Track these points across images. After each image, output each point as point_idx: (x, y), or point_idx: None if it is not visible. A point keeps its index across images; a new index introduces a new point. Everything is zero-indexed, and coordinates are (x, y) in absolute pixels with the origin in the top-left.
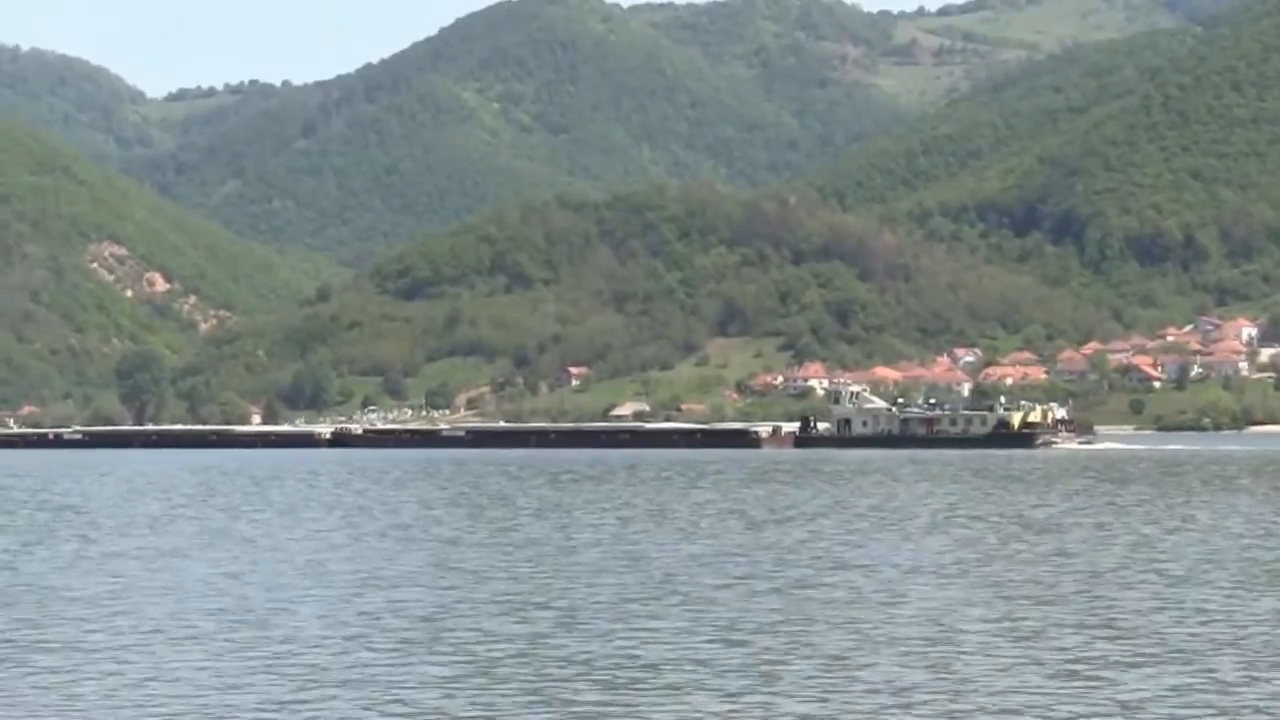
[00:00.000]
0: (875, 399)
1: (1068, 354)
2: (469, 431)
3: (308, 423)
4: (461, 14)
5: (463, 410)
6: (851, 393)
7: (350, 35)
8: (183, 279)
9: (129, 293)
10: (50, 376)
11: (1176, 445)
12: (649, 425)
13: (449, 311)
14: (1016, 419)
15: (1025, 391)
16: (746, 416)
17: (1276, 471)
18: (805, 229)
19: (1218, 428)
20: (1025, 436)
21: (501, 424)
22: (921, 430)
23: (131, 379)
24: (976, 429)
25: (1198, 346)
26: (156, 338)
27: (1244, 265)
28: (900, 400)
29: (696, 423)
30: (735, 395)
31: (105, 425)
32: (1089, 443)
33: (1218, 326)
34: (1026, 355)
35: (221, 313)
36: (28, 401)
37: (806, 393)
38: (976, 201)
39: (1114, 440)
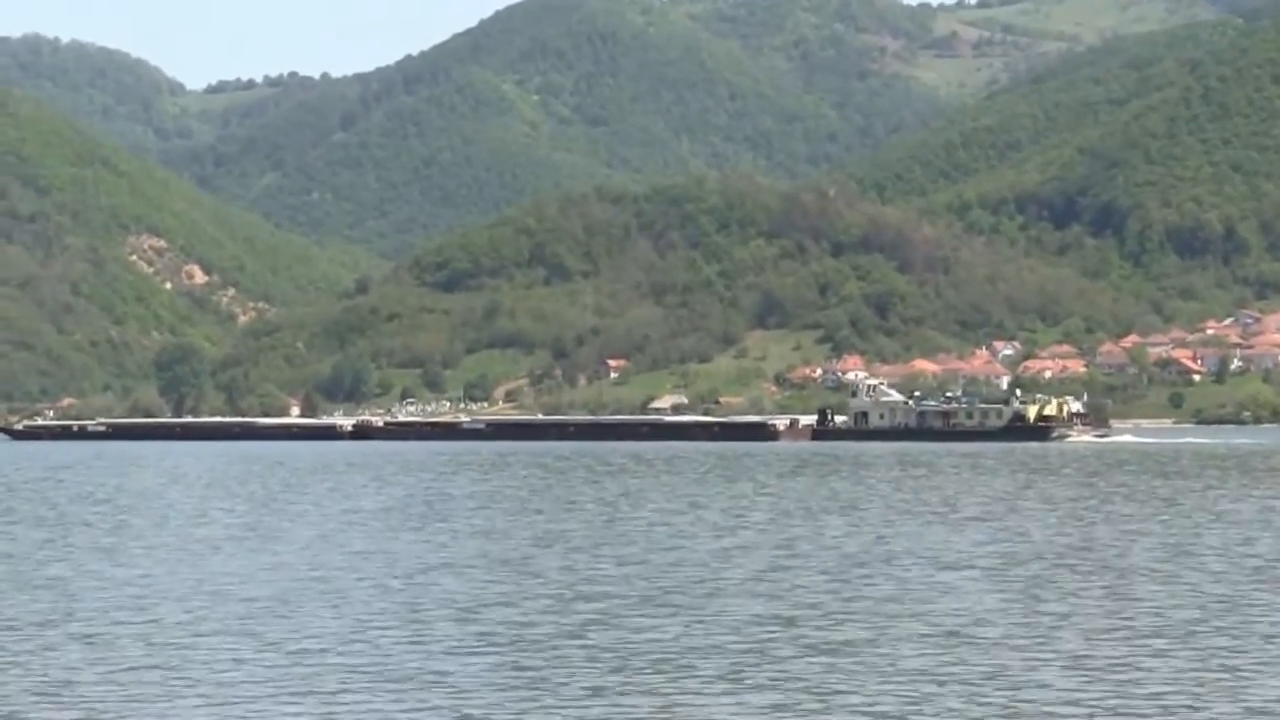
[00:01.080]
0: (892, 392)
1: (1107, 347)
2: (488, 424)
3: (346, 414)
4: (501, 6)
5: (501, 402)
6: (869, 386)
7: (389, 27)
8: (222, 271)
9: (168, 285)
10: (90, 368)
11: (1195, 439)
12: (667, 418)
13: (488, 304)
14: (1032, 412)
15: (1064, 384)
16: (784, 409)
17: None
18: (844, 221)
19: (1258, 421)
20: (1041, 430)
21: (520, 417)
22: (938, 423)
23: (171, 371)
24: (992, 422)
25: (1238, 340)
26: (195, 330)
27: None
28: (916, 393)
29: (736, 415)
30: (774, 388)
31: (144, 417)
32: (1104, 436)
33: (1258, 320)
34: (1066, 348)
35: (260, 305)
36: (67, 393)
37: (845, 385)
38: (1016, 194)
39: (1131, 433)
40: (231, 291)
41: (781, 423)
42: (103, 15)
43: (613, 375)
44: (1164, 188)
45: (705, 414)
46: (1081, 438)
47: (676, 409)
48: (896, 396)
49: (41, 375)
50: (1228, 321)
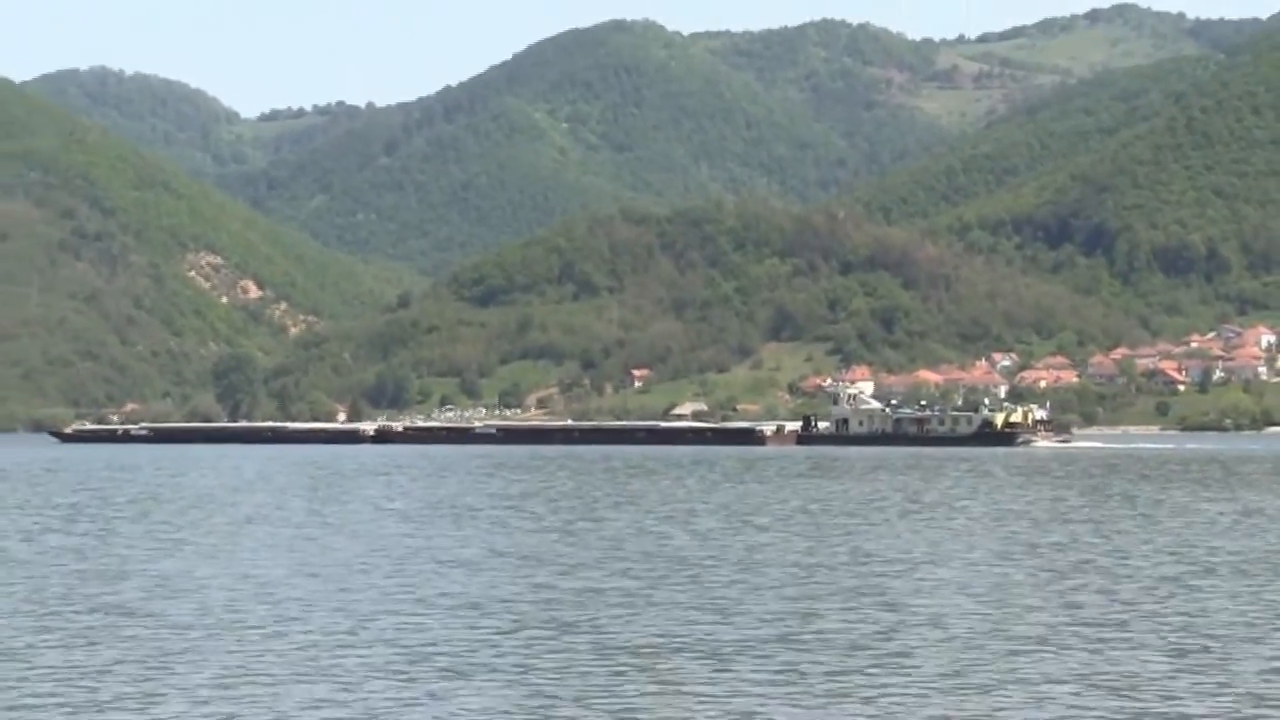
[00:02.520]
0: (871, 400)
1: (1098, 359)
2: (499, 429)
3: (389, 419)
4: (534, 40)
5: (533, 409)
6: (849, 394)
7: (430, 60)
8: (274, 286)
9: (224, 299)
10: (151, 377)
11: (1149, 444)
12: (663, 424)
13: (521, 317)
14: (999, 419)
15: (1058, 393)
16: (797, 415)
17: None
18: (853, 241)
19: (1238, 428)
20: (1007, 435)
21: (528, 423)
22: (913, 429)
23: (226, 379)
24: (963, 428)
25: (1220, 352)
26: (250, 341)
27: (1263, 277)
28: (894, 401)
29: (752, 421)
30: (787, 396)
31: (202, 422)
32: (1066, 442)
33: (1239, 334)
34: (1060, 359)
35: (310, 318)
36: (130, 399)
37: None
38: (1013, 216)
39: (1090, 440)
40: (283, 305)
41: (769, 428)
42: (165, 49)
43: (637, 384)
44: (1151, 210)
45: (723, 420)
46: (1045, 443)
47: (697, 415)
48: (875, 404)
49: (106, 383)
50: (1210, 335)
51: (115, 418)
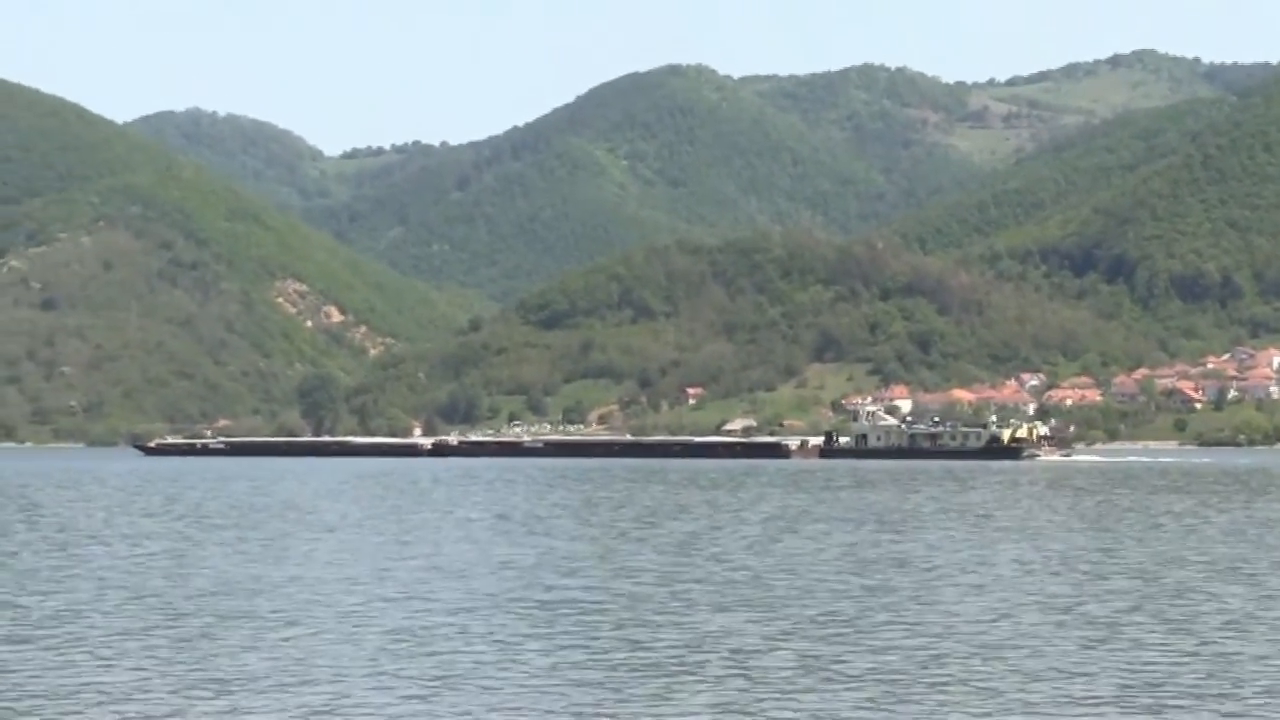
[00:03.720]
0: (888, 417)
1: (1120, 379)
2: (545, 443)
3: (461, 434)
4: (595, 84)
5: (595, 425)
6: (868, 412)
7: (499, 102)
8: (355, 311)
9: (309, 323)
10: (242, 395)
11: (1135, 458)
12: (696, 438)
13: (583, 339)
14: (1006, 435)
15: (1082, 411)
16: (839, 431)
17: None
18: (891, 269)
19: (1251, 443)
20: (1013, 450)
21: (572, 437)
22: (926, 444)
23: (311, 397)
24: (972, 443)
25: (1234, 373)
26: (332, 361)
27: (1275, 302)
28: (909, 418)
29: (799, 436)
30: (830, 413)
31: (288, 437)
32: (1068, 455)
33: (1251, 356)
34: (1084, 380)
35: (388, 340)
36: (223, 416)
37: (892, 411)
38: (1040, 246)
39: (1091, 454)
40: (363, 329)
41: (793, 443)
42: (255, 92)
43: (691, 402)
44: (1169, 241)
45: (771, 434)
46: (1048, 457)
47: (746, 431)
48: (891, 421)
49: (200, 400)
50: (1225, 357)
51: (209, 433)
